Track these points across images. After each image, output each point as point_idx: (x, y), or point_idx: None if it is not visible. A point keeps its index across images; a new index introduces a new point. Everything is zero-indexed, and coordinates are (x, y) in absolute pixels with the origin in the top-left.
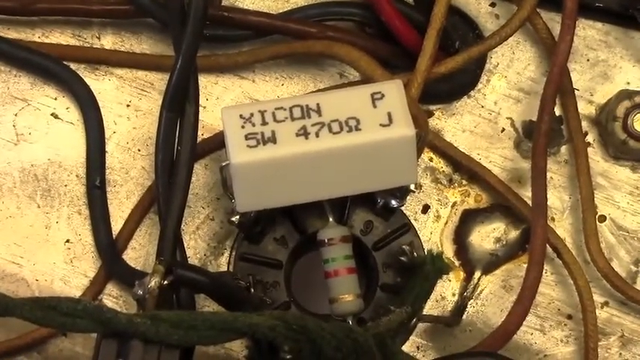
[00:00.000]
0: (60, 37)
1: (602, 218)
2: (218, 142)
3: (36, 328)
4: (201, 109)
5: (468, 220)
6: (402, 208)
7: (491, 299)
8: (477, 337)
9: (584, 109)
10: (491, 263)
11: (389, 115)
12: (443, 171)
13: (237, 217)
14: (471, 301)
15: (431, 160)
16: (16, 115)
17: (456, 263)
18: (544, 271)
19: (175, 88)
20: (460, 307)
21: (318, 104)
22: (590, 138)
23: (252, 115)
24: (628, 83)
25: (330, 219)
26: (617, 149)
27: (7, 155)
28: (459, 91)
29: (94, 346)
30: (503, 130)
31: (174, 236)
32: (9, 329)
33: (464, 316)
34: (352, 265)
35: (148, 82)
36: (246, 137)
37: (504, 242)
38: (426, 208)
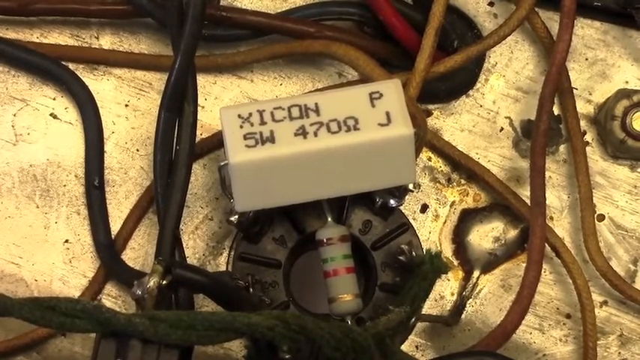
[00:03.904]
0: (58, 38)
1: (601, 217)
2: (217, 141)
3: (35, 328)
4: (199, 108)
5: (467, 219)
6: (401, 207)
7: (490, 298)
8: (476, 337)
9: (583, 108)
10: (490, 262)
11: (387, 114)
12: (441, 170)
13: (236, 216)
14: (470, 300)
15: (429, 159)
16: (14, 115)
17: (455, 262)
18: (543, 270)
19: (174, 88)
20: (459, 306)
21: (316, 104)
22: (588, 137)
23: (250, 114)
24: (626, 82)
25: (329, 218)
26: (616, 148)
27: (6, 155)
28: (458, 91)
29: (93, 346)
30: (502, 129)
31: (172, 236)
32: (8, 329)
33: (463, 316)
34: (351, 265)
35: (147, 81)
36: (245, 137)
37: (503, 241)
38: (424, 208)
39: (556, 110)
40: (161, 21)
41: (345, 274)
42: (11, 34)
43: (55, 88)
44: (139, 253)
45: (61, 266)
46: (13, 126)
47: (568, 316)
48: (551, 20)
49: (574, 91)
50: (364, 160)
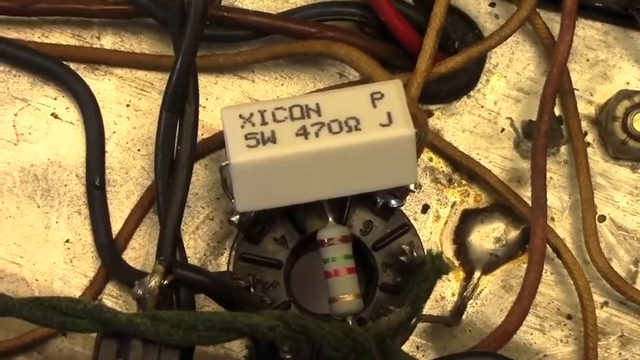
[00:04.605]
0: (60, 37)
1: (602, 218)
2: (218, 142)
3: (36, 327)
4: (200, 108)
5: (468, 219)
6: (402, 208)
7: (490, 299)
8: (477, 337)
9: (584, 109)
10: (491, 263)
11: (389, 114)
12: (442, 171)
13: (237, 216)
14: (471, 301)
15: (430, 160)
16: (16, 115)
17: (456, 263)
18: (544, 271)
19: (175, 88)
20: (460, 307)
21: (317, 104)
22: (589, 138)
23: (251, 115)
24: (627, 83)
25: (330, 219)
26: (617, 149)
27: (7, 155)
28: (459, 91)
29: (93, 346)
30: (503, 130)
31: (174, 236)
32: (9, 329)
33: (463, 316)
34: (352, 265)
35: (148, 82)
36: (246, 137)
37: (504, 242)
38: (425, 208)
39: (557, 111)
40: (162, 21)
41: (345, 275)
42: (13, 34)
43: (56, 87)
44: (139, 252)
45: (62, 266)
46: (14, 126)
47: (569, 317)
48: (553, 21)
49: (575, 91)
50: (365, 161)
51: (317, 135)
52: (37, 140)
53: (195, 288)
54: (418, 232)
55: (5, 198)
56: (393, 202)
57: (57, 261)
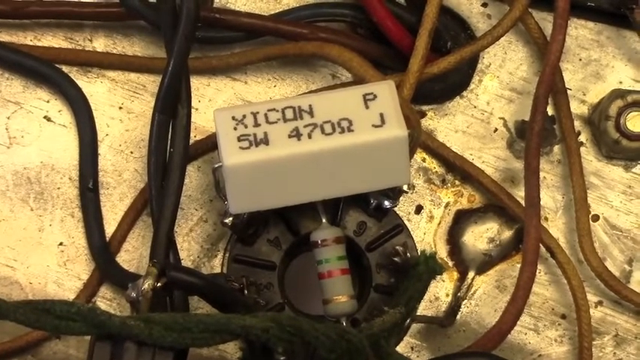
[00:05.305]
0: (52, 40)
1: (596, 217)
2: (211, 143)
3: (30, 331)
4: (193, 110)
5: (462, 220)
6: (395, 208)
7: (484, 299)
8: (471, 338)
9: (577, 108)
10: (485, 263)
11: (381, 115)
12: (436, 171)
13: (231, 218)
14: (465, 301)
15: (424, 160)
16: (8, 118)
17: (450, 264)
18: (538, 270)
19: (167, 90)
20: (454, 307)
21: (310, 105)
22: (582, 137)
23: (244, 116)
24: (620, 82)
25: (324, 220)
26: (610, 148)
27: (0, 158)
28: (452, 92)
29: (87, 349)
30: (496, 130)
31: (167, 238)
32: (3, 332)
33: (458, 317)
34: (346, 266)
35: (140, 84)
36: (239, 139)
37: (498, 242)
38: (419, 209)
39: (550, 111)
40: (154, 23)
41: (339, 276)
42: (5, 37)
43: (48, 90)
44: (133, 255)
45: (56, 269)
46: (6, 129)
47: (563, 317)
48: (545, 21)
49: (568, 91)
50: (358, 162)
51: (310, 136)
52: (29, 143)
53: (188, 290)
54: (412, 232)
55: None
56: (386, 202)
57: (50, 264)
